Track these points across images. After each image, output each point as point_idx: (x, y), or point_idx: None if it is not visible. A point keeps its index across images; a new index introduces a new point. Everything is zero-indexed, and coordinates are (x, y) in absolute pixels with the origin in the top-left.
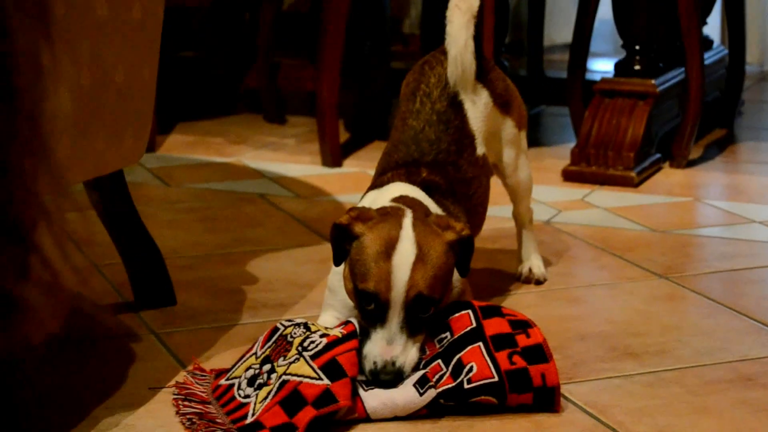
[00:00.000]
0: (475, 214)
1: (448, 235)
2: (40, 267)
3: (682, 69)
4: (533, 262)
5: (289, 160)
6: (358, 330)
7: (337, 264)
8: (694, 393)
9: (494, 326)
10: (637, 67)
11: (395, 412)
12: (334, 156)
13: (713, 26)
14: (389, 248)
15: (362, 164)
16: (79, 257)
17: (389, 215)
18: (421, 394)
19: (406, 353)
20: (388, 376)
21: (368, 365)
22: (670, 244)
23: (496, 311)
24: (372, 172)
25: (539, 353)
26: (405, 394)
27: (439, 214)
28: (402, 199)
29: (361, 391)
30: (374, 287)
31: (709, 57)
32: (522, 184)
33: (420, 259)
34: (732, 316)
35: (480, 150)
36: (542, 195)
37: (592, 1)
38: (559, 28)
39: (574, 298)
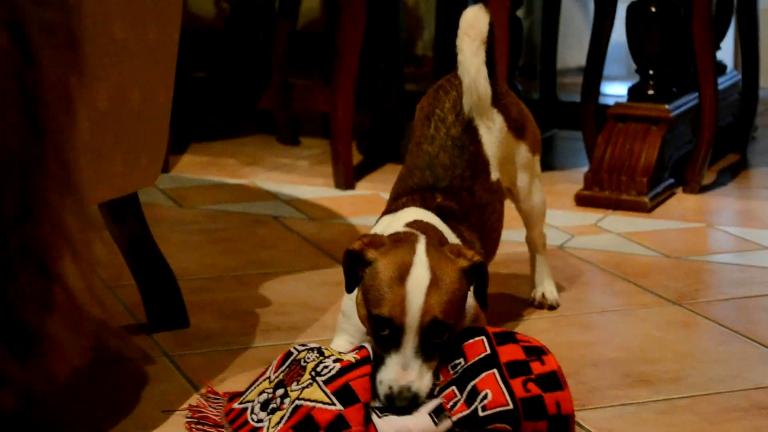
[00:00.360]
0: (489, 240)
1: (461, 262)
2: (64, 300)
3: (696, 94)
4: (546, 288)
5: (302, 182)
6: (371, 355)
7: (349, 291)
8: (708, 421)
9: (508, 353)
10: (650, 92)
11: None
12: (347, 178)
13: (726, 51)
14: (403, 273)
15: (375, 186)
16: (101, 287)
17: (402, 240)
18: (436, 424)
19: (422, 378)
20: (404, 402)
21: (383, 390)
22: (684, 270)
23: (509, 337)
24: (385, 194)
25: (554, 380)
26: (420, 423)
27: (452, 243)
28: (416, 224)
29: (375, 419)
30: (389, 312)
31: (723, 82)
32: (536, 208)
33: (434, 283)
34: (746, 343)
35: (494, 175)
36: (555, 219)
37: (607, 25)
38: (572, 52)
39: (587, 324)
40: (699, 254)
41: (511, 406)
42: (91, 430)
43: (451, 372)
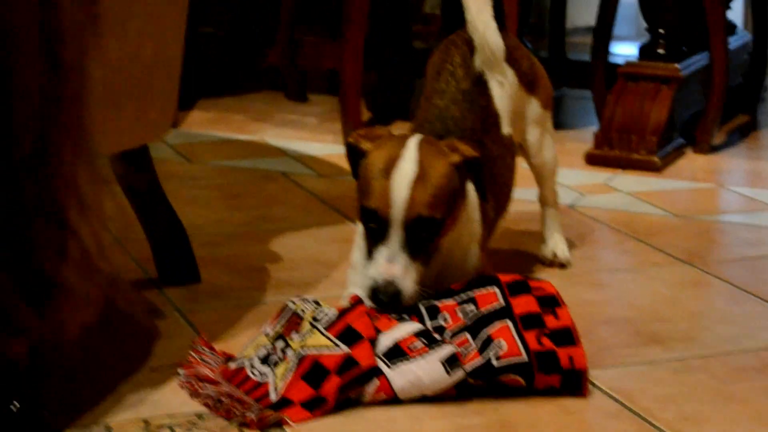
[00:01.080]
0: (501, 194)
1: (453, 157)
2: (78, 252)
3: (706, 54)
4: (558, 246)
5: (310, 138)
6: (363, 297)
7: (355, 177)
8: (720, 380)
9: (522, 305)
10: (661, 51)
11: (423, 391)
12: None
13: (736, 11)
14: (390, 166)
15: None
16: (110, 243)
17: (397, 136)
18: (449, 374)
19: (407, 275)
20: (386, 297)
21: (368, 283)
22: (694, 230)
23: (523, 287)
24: None
25: (567, 336)
26: (432, 373)
27: (449, 139)
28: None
29: (386, 370)
30: (374, 204)
31: (733, 42)
32: (547, 164)
33: (420, 177)
34: (757, 303)
35: (505, 129)
36: (565, 178)
37: None
38: (581, 11)
39: (597, 283)
40: (709, 214)
41: (525, 358)
42: (102, 385)
43: (461, 316)
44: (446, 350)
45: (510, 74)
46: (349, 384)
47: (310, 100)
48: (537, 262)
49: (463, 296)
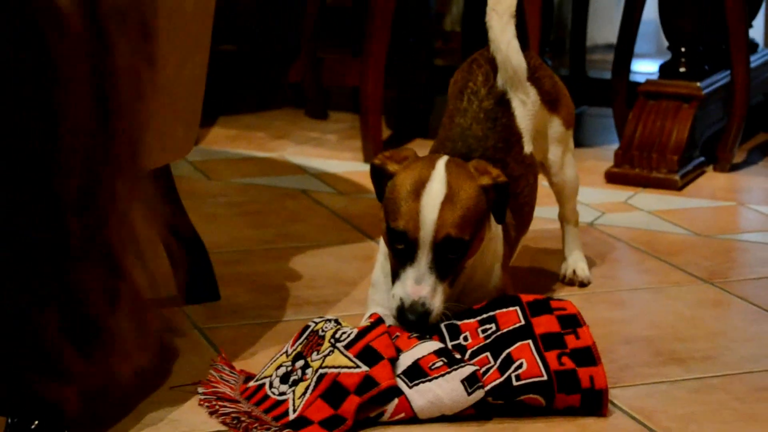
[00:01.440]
0: (522, 213)
1: (483, 180)
2: (130, 296)
3: (728, 72)
4: (578, 264)
5: (331, 156)
6: (384, 317)
7: (380, 199)
8: (740, 400)
9: (544, 324)
10: (682, 69)
11: (442, 411)
12: (376, 153)
13: (758, 29)
14: (419, 187)
15: None
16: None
17: (424, 158)
18: (468, 393)
19: (434, 296)
20: (414, 316)
21: (395, 303)
22: (714, 249)
23: (544, 307)
24: None
25: (588, 356)
26: (452, 393)
27: (478, 160)
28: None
29: (405, 390)
30: (403, 226)
31: (755, 60)
32: (568, 183)
33: (449, 199)
34: None
35: (527, 148)
36: (585, 196)
37: (638, 1)
38: (602, 29)
39: (618, 302)
40: (729, 233)
41: (545, 378)
42: (122, 403)
43: (482, 336)
44: (467, 370)
45: (532, 93)
46: (368, 403)
47: (330, 118)
48: (557, 281)
49: (484, 316)
